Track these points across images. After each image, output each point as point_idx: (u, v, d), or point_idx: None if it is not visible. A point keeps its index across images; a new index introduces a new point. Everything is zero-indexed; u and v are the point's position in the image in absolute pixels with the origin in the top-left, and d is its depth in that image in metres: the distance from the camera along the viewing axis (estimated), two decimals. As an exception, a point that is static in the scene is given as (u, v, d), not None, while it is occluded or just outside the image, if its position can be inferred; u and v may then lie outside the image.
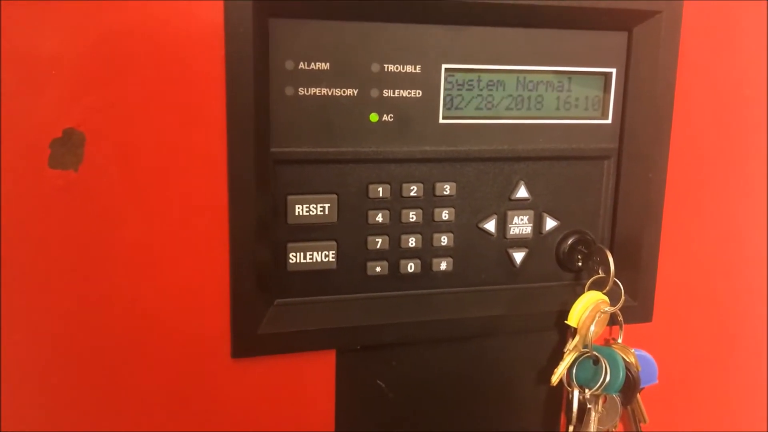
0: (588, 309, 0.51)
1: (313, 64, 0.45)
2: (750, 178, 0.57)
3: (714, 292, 0.59)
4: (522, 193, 0.52)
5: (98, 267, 0.43)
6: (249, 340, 0.47)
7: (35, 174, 0.41)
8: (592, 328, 0.51)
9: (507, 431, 0.56)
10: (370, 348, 0.51)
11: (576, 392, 0.53)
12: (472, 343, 0.53)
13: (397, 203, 0.50)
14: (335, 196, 0.48)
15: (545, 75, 0.50)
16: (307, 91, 0.46)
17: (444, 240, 0.51)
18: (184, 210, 0.44)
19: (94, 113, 0.41)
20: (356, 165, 0.48)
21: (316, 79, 0.46)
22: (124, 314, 0.44)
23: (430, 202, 0.50)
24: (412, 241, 0.50)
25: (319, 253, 0.49)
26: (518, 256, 0.53)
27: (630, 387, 0.53)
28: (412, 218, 0.50)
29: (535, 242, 0.54)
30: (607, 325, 0.53)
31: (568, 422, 0.53)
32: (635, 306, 0.54)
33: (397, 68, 0.47)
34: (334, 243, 0.49)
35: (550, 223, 0.54)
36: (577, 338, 0.51)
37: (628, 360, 0.53)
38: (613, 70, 0.52)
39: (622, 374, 0.51)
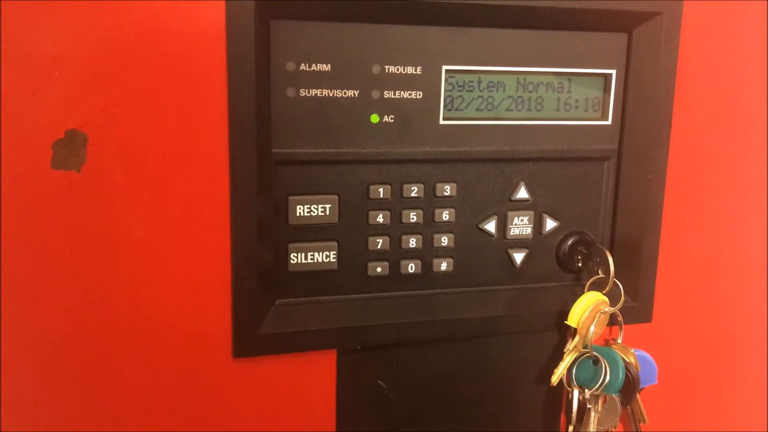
0: (588, 309, 0.51)
1: (314, 65, 0.46)
2: (750, 179, 0.57)
3: (714, 292, 0.59)
4: (522, 193, 0.52)
5: (100, 267, 0.43)
6: (250, 340, 0.47)
7: (38, 175, 0.41)
8: (592, 328, 0.51)
9: (507, 431, 0.56)
10: (370, 348, 0.51)
11: (576, 392, 0.53)
12: (472, 344, 0.54)
13: (397, 204, 0.50)
14: (336, 196, 0.49)
15: (545, 76, 0.51)
16: (309, 92, 0.46)
17: (444, 240, 0.51)
18: (185, 210, 0.44)
19: (96, 114, 0.41)
20: (357, 166, 0.49)
21: (318, 80, 0.46)
22: (125, 314, 0.45)
23: (430, 202, 0.51)
24: (412, 242, 0.51)
25: (320, 253, 0.49)
26: (518, 257, 0.54)
27: (630, 387, 0.53)
28: (413, 219, 0.50)
29: (535, 243, 0.54)
30: (607, 325, 0.53)
31: (568, 422, 0.53)
32: (635, 306, 0.55)
33: (397, 69, 0.47)
34: (335, 243, 0.49)
35: (550, 224, 0.54)
36: (576, 338, 0.52)
37: (627, 360, 0.53)
38: (613, 72, 0.52)
39: (621, 374, 0.52)
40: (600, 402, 0.53)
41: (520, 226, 0.53)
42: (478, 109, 0.50)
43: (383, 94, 0.47)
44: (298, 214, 0.48)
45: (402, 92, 0.48)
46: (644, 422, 0.56)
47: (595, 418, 0.53)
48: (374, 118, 0.48)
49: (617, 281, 0.51)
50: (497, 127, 0.50)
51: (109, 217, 0.43)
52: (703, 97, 0.54)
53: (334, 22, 0.45)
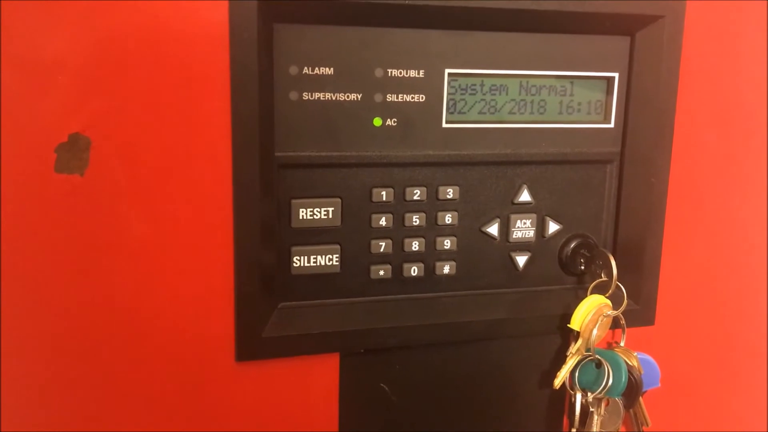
0: (591, 312, 0.51)
1: (317, 68, 0.46)
2: (752, 182, 0.57)
3: (716, 295, 0.59)
4: (525, 196, 0.52)
5: (103, 271, 0.43)
6: (253, 344, 0.47)
7: (41, 178, 0.41)
8: (595, 331, 0.51)
9: (510, 434, 0.56)
10: (373, 351, 0.51)
11: (579, 395, 0.53)
12: (475, 347, 0.54)
13: (400, 207, 0.50)
14: (339, 199, 0.49)
15: (548, 79, 0.51)
16: (312, 96, 0.46)
17: (447, 243, 0.51)
18: (188, 214, 0.44)
19: (99, 118, 0.41)
20: (360, 169, 0.49)
21: (320, 83, 0.46)
22: (128, 317, 0.45)
23: (433, 205, 0.51)
24: (415, 245, 0.51)
25: (323, 256, 0.49)
26: (521, 260, 0.54)
27: (632, 390, 0.53)
28: (416, 222, 0.50)
29: (537, 246, 0.54)
30: (610, 328, 0.53)
31: (571, 425, 0.53)
32: (638, 309, 0.55)
33: (400, 73, 0.47)
34: (338, 247, 0.49)
35: (552, 227, 0.54)
36: (579, 342, 0.52)
37: (630, 363, 0.53)
38: (616, 75, 0.52)
39: (624, 378, 0.52)
40: (603, 405, 0.53)
41: (523, 229, 0.53)
42: (480, 113, 0.50)
43: (386, 98, 0.47)
44: (300, 218, 0.48)
45: (405, 95, 0.48)
46: (647, 425, 0.56)
47: (598, 422, 0.53)
48: (377, 122, 0.48)
49: (620, 284, 0.51)
50: (500, 130, 0.50)
51: (112, 220, 0.43)
52: (706, 100, 0.54)
53: (336, 26, 0.45)
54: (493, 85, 0.50)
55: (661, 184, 0.53)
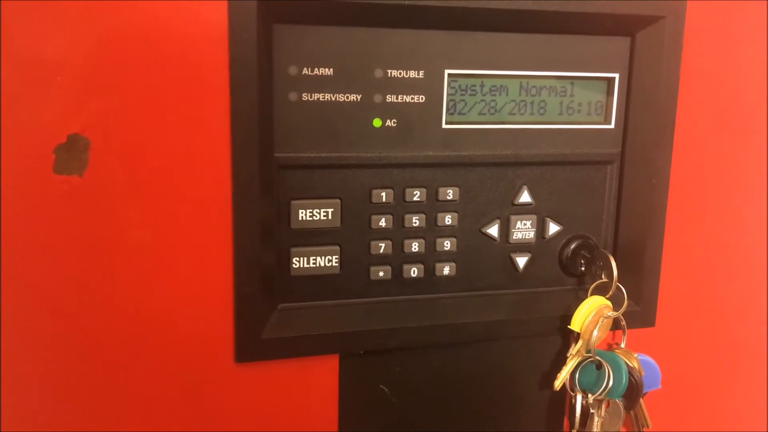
0: (591, 314, 0.51)
1: (316, 69, 0.46)
2: (753, 183, 0.57)
3: (717, 297, 0.59)
4: (525, 197, 0.52)
5: (103, 272, 0.43)
6: (252, 345, 0.47)
7: (40, 179, 0.41)
8: (595, 332, 0.51)
9: (510, 436, 0.56)
10: (373, 352, 0.51)
11: (579, 397, 0.53)
12: (475, 348, 0.53)
13: (400, 208, 0.50)
14: (339, 200, 0.48)
15: (548, 80, 0.51)
16: (311, 97, 0.46)
17: (447, 245, 0.51)
18: (188, 215, 0.44)
19: (98, 119, 0.41)
20: (359, 170, 0.48)
21: (320, 84, 0.46)
22: (127, 318, 0.44)
23: (433, 206, 0.50)
24: (415, 246, 0.51)
25: (323, 257, 0.49)
26: (521, 261, 0.54)
27: (633, 392, 0.53)
28: (415, 223, 0.50)
29: (538, 247, 0.54)
30: (610, 329, 0.53)
31: (571, 427, 0.53)
32: (638, 311, 0.54)
33: (400, 74, 0.47)
34: (338, 248, 0.49)
35: (553, 228, 0.54)
36: (580, 343, 0.52)
37: (631, 365, 0.53)
38: (616, 75, 0.52)
39: (625, 379, 0.51)
40: (603, 407, 0.53)
41: (523, 230, 0.53)
42: (480, 113, 0.50)
43: (386, 98, 0.47)
44: (300, 219, 0.48)
45: (404, 96, 0.48)
46: (648, 427, 0.55)
47: (599, 423, 0.53)
48: (377, 122, 0.48)
49: (620, 285, 0.51)
50: (500, 131, 0.50)
51: (111, 221, 0.43)
52: (707, 100, 0.54)
53: (336, 26, 0.45)
54: (493, 86, 0.50)
55: (662, 185, 0.53)
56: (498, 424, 0.56)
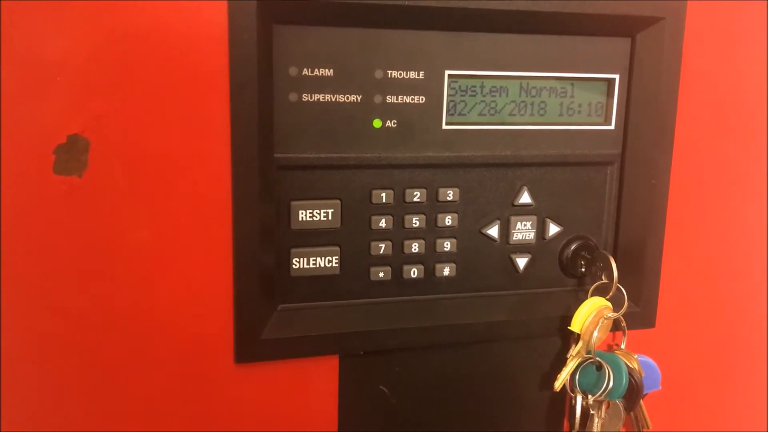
0: (591, 315, 0.51)
1: (316, 70, 0.46)
2: (753, 184, 0.57)
3: (717, 298, 0.59)
4: (525, 198, 0.52)
5: (102, 272, 0.43)
6: (252, 345, 0.47)
7: (39, 180, 0.41)
8: (595, 333, 0.51)
9: (510, 437, 0.56)
10: (373, 353, 0.51)
11: (579, 398, 0.53)
12: (475, 349, 0.53)
13: (400, 209, 0.50)
14: (339, 201, 0.48)
15: (548, 81, 0.51)
16: (311, 97, 0.46)
17: (447, 245, 0.51)
18: (187, 216, 0.44)
19: (98, 119, 0.41)
20: (360, 171, 0.48)
21: (320, 85, 0.46)
22: (127, 319, 0.44)
23: (433, 207, 0.50)
24: (415, 247, 0.51)
25: (323, 258, 0.49)
26: (521, 262, 0.53)
27: (633, 393, 0.53)
28: (416, 224, 0.50)
29: (538, 248, 0.54)
30: (610, 330, 0.53)
31: (571, 428, 0.53)
32: (638, 312, 0.54)
33: (400, 74, 0.47)
34: (338, 248, 0.49)
35: (553, 229, 0.54)
36: (580, 344, 0.51)
37: (631, 366, 0.53)
38: (616, 76, 0.52)
39: (625, 380, 0.51)
40: (603, 408, 0.53)
41: (523, 231, 0.53)
42: (480, 114, 0.50)
43: (386, 99, 0.47)
44: (300, 219, 0.48)
45: (405, 97, 0.48)
46: (648, 428, 0.55)
47: (599, 424, 0.53)
48: (377, 123, 0.48)
49: (620, 286, 0.51)
50: (500, 132, 0.50)
51: (110, 222, 0.43)
52: (707, 101, 0.54)
53: (336, 27, 0.45)
54: (493, 87, 0.50)
55: (662, 186, 0.53)
56: (498, 424, 0.56)
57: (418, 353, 0.52)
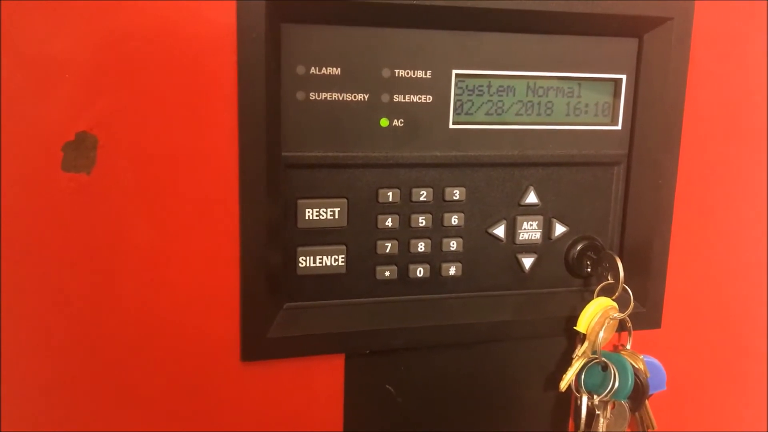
0: (597, 315, 0.51)
1: (324, 69, 0.46)
2: (760, 185, 0.57)
3: (723, 298, 0.58)
4: (531, 198, 0.52)
5: (109, 270, 0.43)
6: (258, 344, 0.47)
7: (48, 177, 0.41)
8: (601, 334, 0.51)
9: (515, 437, 0.56)
10: (378, 352, 0.51)
11: (584, 398, 0.53)
12: (480, 348, 0.53)
13: (406, 208, 0.50)
14: (345, 200, 0.48)
15: (555, 81, 0.50)
16: (318, 96, 0.46)
17: (453, 245, 0.51)
18: (195, 213, 0.44)
19: (107, 116, 0.41)
20: (366, 169, 0.48)
21: (327, 83, 0.46)
22: (134, 317, 0.45)
23: (439, 207, 0.50)
24: (421, 246, 0.51)
25: (329, 257, 0.49)
26: (527, 262, 0.53)
27: (638, 393, 0.53)
28: (422, 223, 0.50)
29: (544, 248, 0.54)
30: (616, 331, 0.53)
31: (577, 428, 0.53)
32: (644, 312, 0.54)
33: (407, 73, 0.47)
34: (344, 247, 0.49)
35: (559, 229, 0.54)
36: (585, 344, 0.51)
37: (636, 366, 0.53)
38: (624, 77, 0.52)
39: (630, 381, 0.51)
40: (609, 408, 0.53)
41: (529, 230, 0.53)
42: (487, 114, 0.50)
43: (393, 98, 0.47)
44: (307, 218, 0.48)
45: (412, 96, 0.48)
46: (653, 428, 0.55)
47: (604, 424, 0.53)
48: (384, 122, 0.48)
49: (626, 287, 0.51)
50: (507, 132, 0.50)
51: (118, 219, 0.43)
52: (714, 102, 0.53)
53: (344, 26, 0.45)
54: (500, 86, 0.50)
55: (669, 187, 0.53)
56: (503, 424, 0.56)
57: (423, 352, 0.52)
